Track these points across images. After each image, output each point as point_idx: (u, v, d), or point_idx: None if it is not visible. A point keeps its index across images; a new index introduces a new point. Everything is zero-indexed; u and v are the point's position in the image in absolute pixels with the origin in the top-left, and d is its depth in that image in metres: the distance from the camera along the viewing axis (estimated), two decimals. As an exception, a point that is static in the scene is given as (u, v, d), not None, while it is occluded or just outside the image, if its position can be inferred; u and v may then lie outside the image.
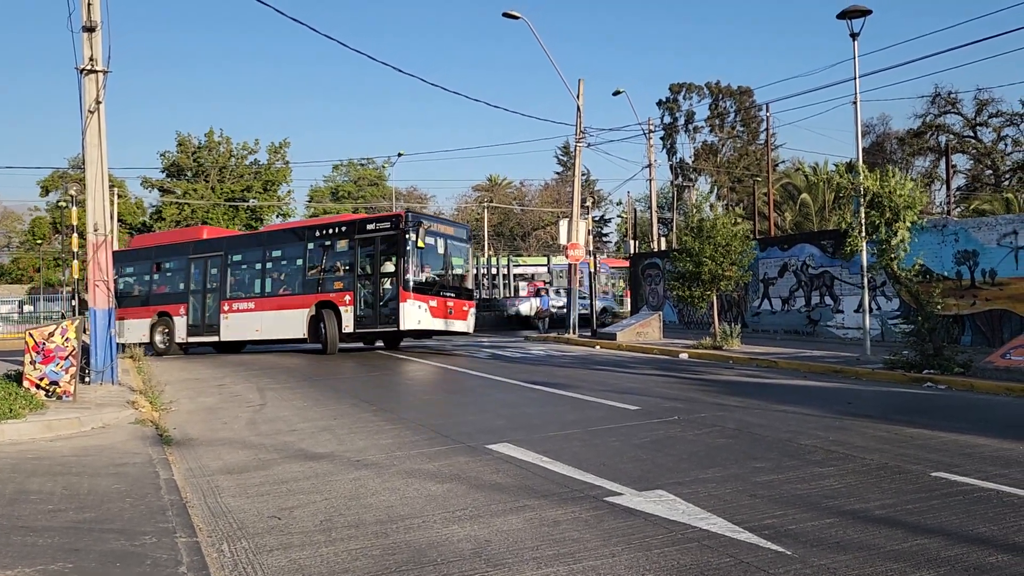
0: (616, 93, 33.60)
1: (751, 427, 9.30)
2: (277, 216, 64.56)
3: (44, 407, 10.41)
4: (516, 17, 25.29)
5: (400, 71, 78.18)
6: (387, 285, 19.75)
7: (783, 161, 62.16)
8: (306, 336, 20.82)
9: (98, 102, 13.37)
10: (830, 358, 16.23)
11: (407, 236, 19.26)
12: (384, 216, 20.95)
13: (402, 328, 19.22)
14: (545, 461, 7.65)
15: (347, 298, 20.10)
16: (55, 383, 11.17)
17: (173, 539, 5.28)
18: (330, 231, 21.38)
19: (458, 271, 21.91)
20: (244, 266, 23.06)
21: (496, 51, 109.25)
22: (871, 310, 17.81)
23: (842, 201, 16.36)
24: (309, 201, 68.34)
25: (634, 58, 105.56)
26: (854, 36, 15.79)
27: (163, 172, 59.91)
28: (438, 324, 20.07)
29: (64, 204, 46.29)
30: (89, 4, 13.28)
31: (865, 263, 15.54)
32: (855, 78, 16.26)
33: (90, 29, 13.28)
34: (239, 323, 22.20)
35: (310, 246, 21.50)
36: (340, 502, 6.43)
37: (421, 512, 6.07)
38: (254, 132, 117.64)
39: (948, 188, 32.62)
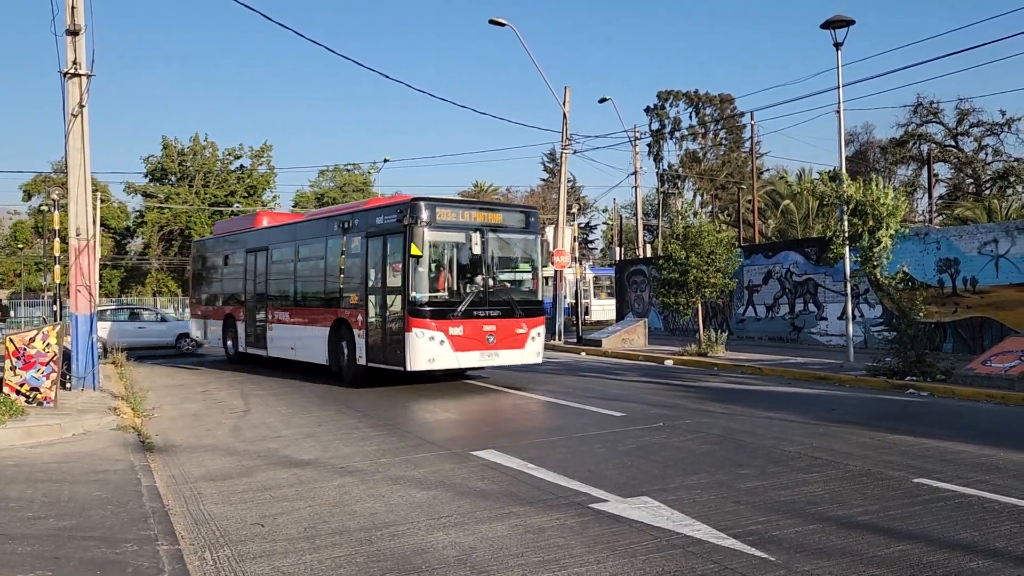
0: (602, 100, 33.81)
1: (736, 433, 9.34)
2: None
3: (24, 413, 10.29)
4: (503, 24, 25.35)
5: (387, 77, 78.24)
6: (394, 305, 13.54)
7: (767, 169, 62.55)
8: (328, 362, 15.43)
9: (81, 106, 13.28)
10: (814, 365, 16.32)
11: (411, 234, 13.13)
12: (391, 204, 14.50)
13: (409, 368, 13.02)
14: (530, 468, 7.64)
15: (359, 318, 14.32)
16: (36, 389, 11.05)
17: (155, 547, 5.23)
18: (345, 223, 15.33)
19: (509, 275, 14.88)
20: (282, 264, 18.04)
21: (484, 57, 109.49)
22: (854, 317, 17.92)
23: (826, 209, 16.43)
24: (294, 207, 67.98)
25: (621, 65, 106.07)
26: (837, 46, 15.92)
27: (146, 176, 59.56)
28: (469, 359, 13.46)
29: (46, 208, 45.89)
30: (73, 8, 13.20)
31: (848, 270, 15.64)
32: (839, 87, 16.40)
33: (74, 33, 13.18)
34: (281, 337, 17.46)
35: (329, 242, 15.89)
36: (324, 509, 6.40)
37: (406, 519, 6.04)
38: (238, 136, 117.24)
39: (930, 197, 32.91)
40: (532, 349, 14.13)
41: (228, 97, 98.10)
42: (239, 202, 60.05)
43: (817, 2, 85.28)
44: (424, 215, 13.24)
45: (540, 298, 14.89)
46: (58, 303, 24.63)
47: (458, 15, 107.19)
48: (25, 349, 11.07)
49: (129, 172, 77.15)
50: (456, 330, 13.22)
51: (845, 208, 14.36)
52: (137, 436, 9.56)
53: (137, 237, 61.99)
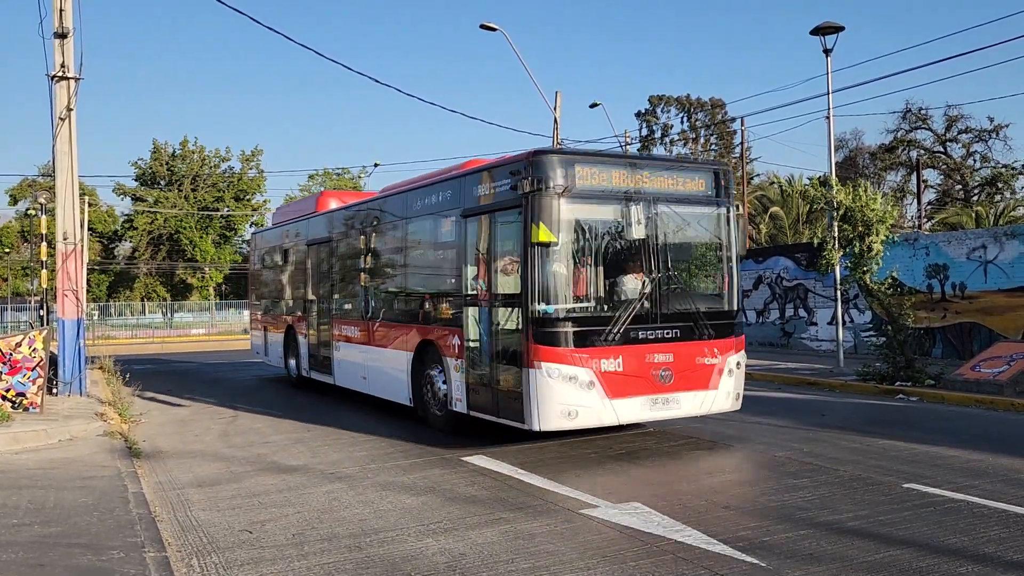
0: (593, 105, 33.78)
1: (726, 439, 9.34)
2: (251, 226, 63.97)
3: (10, 419, 10.20)
4: (493, 29, 25.37)
5: (376, 81, 78.01)
6: (508, 322, 8.70)
7: (758, 175, 62.83)
8: (409, 398, 10.67)
9: (69, 109, 13.20)
10: (804, 370, 16.36)
11: (534, 208, 8.16)
12: (498, 164, 9.20)
13: (535, 426, 8.15)
14: (520, 473, 7.62)
15: (453, 341, 9.52)
16: (22, 394, 10.95)
17: (141, 554, 5.18)
18: (428, 200, 10.60)
19: (689, 272, 9.49)
20: (349, 261, 13.30)
21: (475, 61, 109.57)
22: (844, 322, 17.97)
23: (816, 215, 16.54)
24: (285, 211, 67.86)
25: (613, 71, 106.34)
26: (827, 52, 16.00)
27: (136, 180, 59.27)
28: (630, 409, 8.45)
29: (33, 212, 45.62)
30: (61, 11, 13.13)
31: (838, 276, 15.70)
32: (828, 93, 16.47)
33: (62, 36, 13.11)
34: (349, 360, 12.74)
35: (410, 229, 11.12)
36: (313, 515, 6.35)
37: (395, 525, 6.01)
38: (227, 139, 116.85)
39: (919, 202, 33.08)
40: (727, 389, 8.97)
41: (217, 99, 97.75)
42: (228, 206, 59.83)
43: (809, 8, 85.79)
44: (556, 177, 8.06)
45: (735, 306, 9.41)
46: (45, 308, 23.89)
47: (448, 18, 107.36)
48: (11, 354, 10.98)
49: (118, 175, 76.79)
50: (611, 363, 8.20)
51: (835, 214, 14.42)
52: (124, 442, 9.49)
53: (125, 241, 61.66)
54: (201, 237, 58.04)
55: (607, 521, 5.98)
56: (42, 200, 29.05)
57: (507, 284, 8.69)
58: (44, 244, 26.05)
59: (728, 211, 9.39)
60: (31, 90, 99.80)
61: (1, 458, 8.54)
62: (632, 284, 8.75)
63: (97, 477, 7.56)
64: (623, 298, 8.61)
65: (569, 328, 8.16)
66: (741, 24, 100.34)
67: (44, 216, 27.69)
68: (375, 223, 12.14)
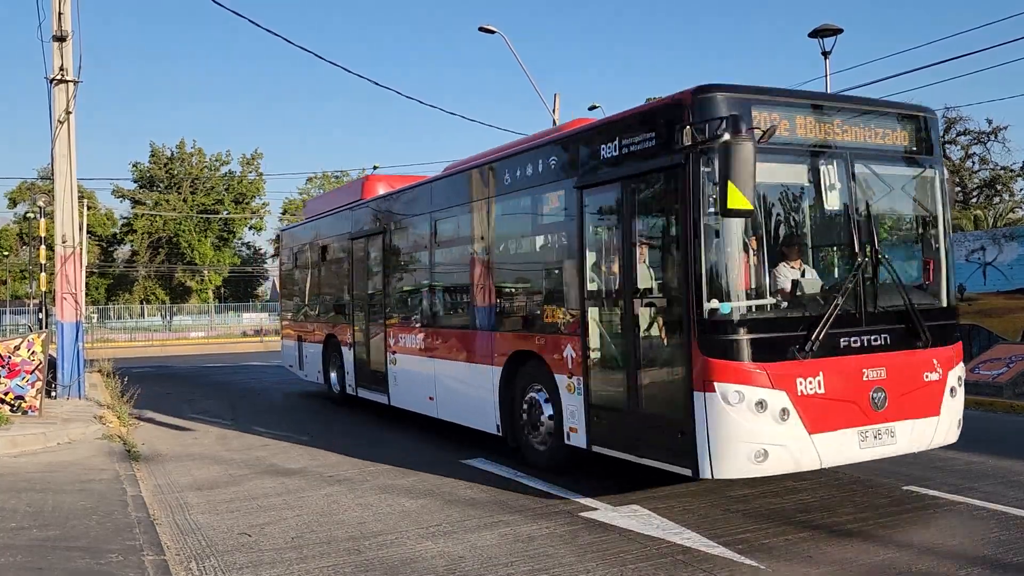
0: (592, 108, 33.78)
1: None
2: (250, 229, 63.96)
3: (9, 422, 10.19)
4: (492, 32, 25.39)
5: (376, 84, 77.83)
6: (654, 327, 6.51)
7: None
8: (497, 426, 8.54)
9: (68, 112, 13.20)
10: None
11: (697, 168, 5.92)
12: (637, 113, 6.83)
13: (711, 472, 5.81)
14: (520, 476, 7.62)
15: (567, 353, 7.36)
16: (20, 398, 10.94)
17: (140, 557, 5.17)
18: (528, 169, 8.15)
19: (893, 250, 7.11)
20: (409, 256, 10.99)
21: (473, 64, 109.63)
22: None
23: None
24: (283, 214, 67.91)
25: (611, 73, 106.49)
26: (826, 55, 16.05)
27: (135, 182, 59.28)
28: (837, 448, 6.03)
29: (32, 216, 45.58)
30: (60, 14, 13.13)
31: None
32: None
33: (60, 39, 13.11)
34: (411, 376, 10.43)
35: (498, 210, 8.83)
36: (312, 518, 6.35)
37: (394, 528, 6.00)
38: (225, 141, 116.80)
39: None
40: (951, 415, 6.73)
41: (217, 101, 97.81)
42: (227, 209, 59.83)
43: (808, 10, 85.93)
44: (738, 122, 5.72)
45: (952, 301, 7.11)
46: (44, 311, 23.82)
47: (447, 21, 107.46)
48: (10, 357, 10.97)
49: (117, 178, 76.79)
50: (810, 383, 5.97)
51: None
52: (123, 445, 9.48)
53: (124, 244, 61.67)
54: (200, 240, 58.04)
55: (606, 523, 5.97)
56: (41, 203, 29.04)
57: (655, 275, 6.55)
58: (43, 247, 25.96)
59: (939, 173, 7.08)
60: (30, 93, 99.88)
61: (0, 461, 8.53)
62: (829, 272, 6.82)
63: (96, 480, 7.55)
64: (815, 291, 6.37)
65: (754, 334, 5.85)
66: (740, 26, 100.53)
67: (43, 219, 27.61)
68: (445, 208, 9.71)
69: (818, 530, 5.69)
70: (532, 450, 8.01)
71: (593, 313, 7.05)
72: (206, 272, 58.84)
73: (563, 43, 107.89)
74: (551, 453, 7.73)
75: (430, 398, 9.81)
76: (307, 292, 15.10)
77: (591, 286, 7.06)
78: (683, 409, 5.90)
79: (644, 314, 6.47)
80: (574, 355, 7.17)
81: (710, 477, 5.82)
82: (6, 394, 10.88)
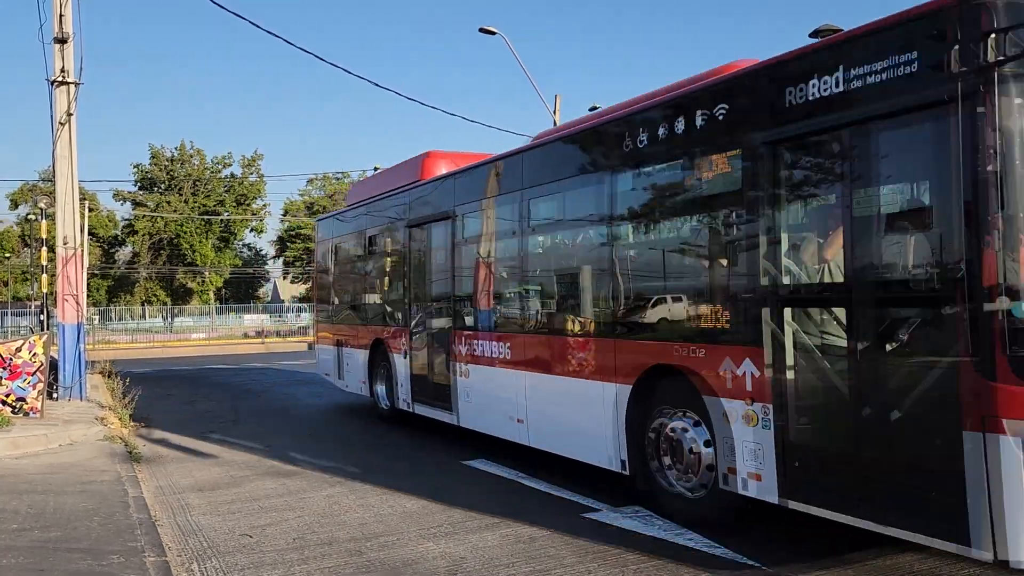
0: (592, 109, 33.81)
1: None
2: (251, 231, 63.99)
3: (10, 424, 10.19)
4: (493, 33, 25.39)
5: (376, 85, 77.94)
6: (895, 333, 4.57)
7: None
8: (623, 463, 6.58)
9: (69, 114, 13.20)
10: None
11: (996, 94, 3.99)
12: (885, 28, 4.60)
13: (1010, 554, 3.90)
14: (522, 477, 7.62)
15: (738, 370, 5.43)
16: (22, 399, 10.94)
17: (141, 558, 5.17)
18: (677, 124, 6.07)
19: None
20: (486, 247, 9.06)
21: (473, 65, 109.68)
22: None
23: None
24: (284, 215, 68.00)
25: (611, 74, 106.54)
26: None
27: (136, 184, 59.35)
28: None
29: (33, 217, 45.63)
30: (61, 16, 13.14)
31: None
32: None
33: (62, 41, 13.12)
34: (489, 392, 8.65)
35: (620, 183, 6.80)
36: (313, 519, 6.34)
37: (396, 529, 6.00)
38: (226, 142, 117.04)
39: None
40: None
41: (217, 103, 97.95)
42: (228, 211, 59.87)
43: (808, 10, 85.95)
44: None
45: None
46: (45, 312, 23.64)
47: (448, 22, 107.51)
48: (11, 359, 10.97)
49: (118, 180, 76.89)
50: None
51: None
52: (124, 446, 9.48)
53: (125, 246, 61.72)
54: (201, 241, 58.08)
55: (608, 524, 5.97)
56: (42, 205, 29.06)
57: (894, 261, 4.75)
58: (44, 248, 25.99)
59: None
60: (32, 95, 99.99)
61: (1, 463, 8.53)
62: None
63: (97, 482, 7.55)
64: None
65: None
66: (740, 26, 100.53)
67: (44, 220, 27.69)
68: (544, 183, 7.77)
69: (821, 531, 5.68)
70: (676, 498, 6.12)
71: (789, 315, 5.13)
72: (207, 273, 58.88)
73: (563, 43, 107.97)
74: (709, 505, 5.85)
75: (518, 420, 7.89)
76: (349, 290, 13.27)
77: (784, 279, 5.22)
78: (945, 457, 4.16)
79: (877, 316, 4.69)
80: (752, 375, 5.29)
81: (992, 560, 4.02)
82: (7, 396, 10.88)
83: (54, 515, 6.32)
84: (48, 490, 7.23)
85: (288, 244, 66.54)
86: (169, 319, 53.63)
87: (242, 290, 67.55)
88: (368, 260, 12.34)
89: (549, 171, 7.83)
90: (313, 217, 66.63)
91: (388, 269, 11.70)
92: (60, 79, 13.19)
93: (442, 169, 10.31)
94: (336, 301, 13.79)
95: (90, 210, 47.44)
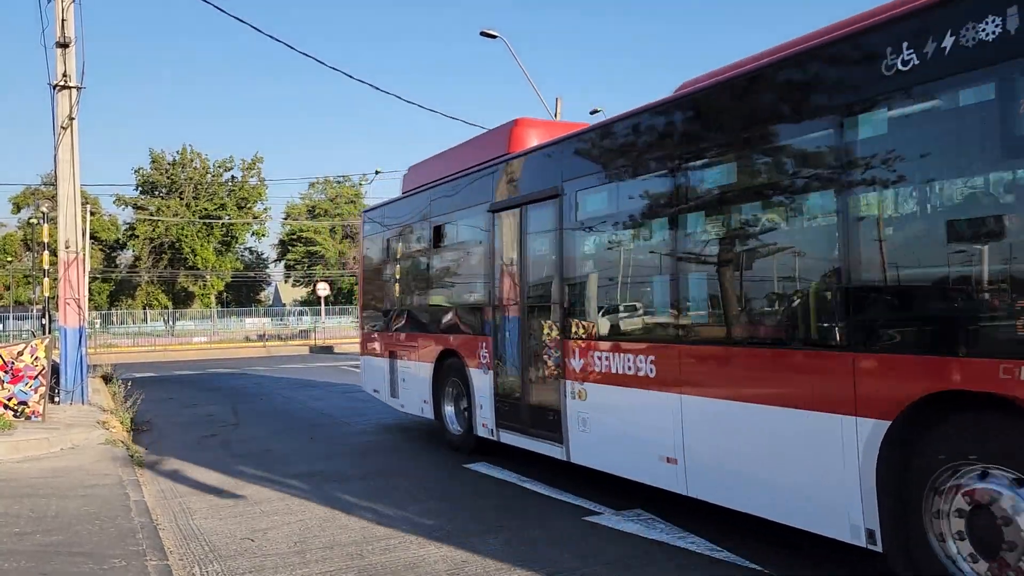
0: (594, 112, 33.80)
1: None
2: (252, 235, 64.04)
3: (12, 427, 10.19)
4: (494, 36, 25.41)
5: (377, 88, 78.18)
6: None
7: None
8: (869, 534, 4.47)
9: (71, 118, 13.23)
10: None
11: None
12: None
13: None
14: (523, 481, 7.61)
15: None
16: (24, 403, 10.94)
17: (143, 562, 5.16)
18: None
19: None
20: (616, 229, 6.93)
21: (474, 68, 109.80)
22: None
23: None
24: (285, 218, 68.07)
25: (612, 76, 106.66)
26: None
27: (137, 189, 59.46)
28: None
29: (36, 221, 45.68)
30: (63, 20, 13.17)
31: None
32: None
33: (64, 45, 13.15)
34: (612, 420, 6.70)
35: (879, 124, 4.53)
36: (315, 523, 6.34)
37: (398, 533, 5.99)
38: (227, 146, 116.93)
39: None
40: None
41: (217, 106, 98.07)
42: (229, 214, 59.94)
43: (808, 11, 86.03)
44: None
45: None
46: (47, 316, 23.67)
47: (448, 25, 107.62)
48: (13, 363, 10.97)
49: (119, 184, 76.89)
50: None
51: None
52: (126, 450, 9.48)
53: (127, 250, 61.80)
54: (202, 245, 58.14)
55: (610, 528, 5.96)
56: (44, 208, 29.08)
57: None
58: (46, 252, 26.05)
59: None
60: (34, 99, 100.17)
61: (3, 467, 8.53)
62: None
63: (99, 485, 7.55)
64: None
65: None
66: (741, 29, 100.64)
67: (46, 224, 27.69)
68: (717, 146, 5.79)
69: (824, 535, 5.67)
70: None
71: None
72: (208, 277, 58.94)
73: (564, 43, 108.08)
74: None
75: (668, 460, 5.93)
76: (407, 291, 10.98)
77: None
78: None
79: None
80: None
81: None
82: (9, 399, 10.89)
83: (56, 519, 6.31)
84: (50, 494, 7.22)
85: (289, 248, 66.64)
86: (170, 323, 53.66)
87: (243, 294, 67.61)
88: (433, 255, 10.16)
89: (730, 123, 5.66)
90: (315, 220, 67.06)
91: (462, 264, 9.59)
92: (62, 83, 13.21)
93: (534, 140, 8.56)
94: (389, 305, 11.54)
95: (92, 214, 47.52)
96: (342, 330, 45.81)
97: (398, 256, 11.33)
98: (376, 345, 11.93)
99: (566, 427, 7.16)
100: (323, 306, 50.53)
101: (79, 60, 13.29)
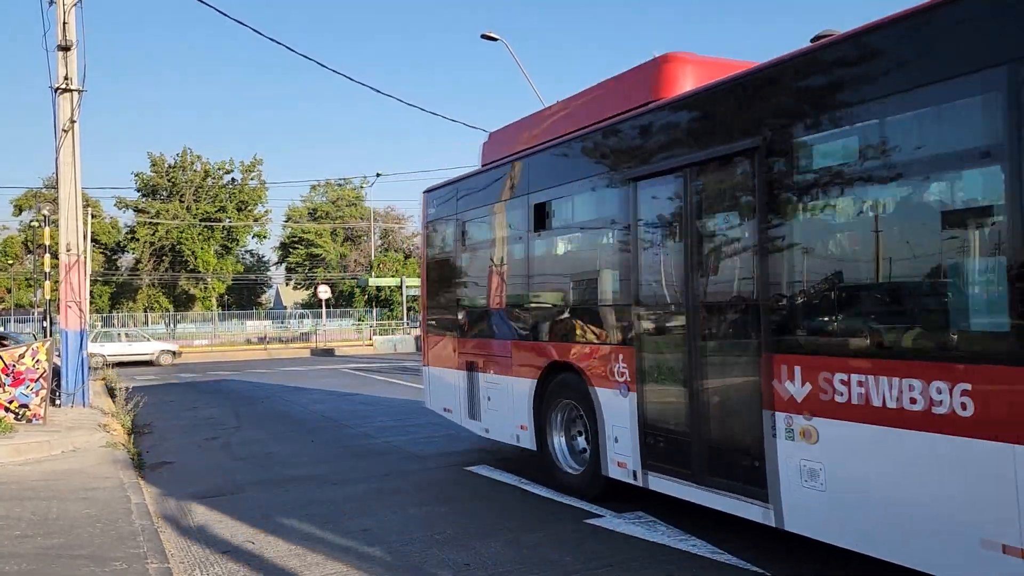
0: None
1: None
2: (253, 237, 64.07)
3: (13, 430, 10.20)
4: (494, 39, 25.44)
5: (378, 91, 78.08)
6: None
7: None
8: None
9: (72, 121, 13.24)
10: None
11: None
12: None
13: None
14: (525, 483, 7.60)
15: None
16: (25, 406, 10.94)
17: (144, 565, 5.16)
18: None
19: None
20: (888, 190, 4.52)
21: (475, 71, 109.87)
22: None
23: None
24: (286, 221, 68.11)
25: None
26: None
27: (138, 191, 59.51)
28: None
29: (37, 224, 45.71)
30: (64, 24, 13.19)
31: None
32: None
33: (65, 48, 13.17)
34: (869, 475, 4.40)
35: None
36: (316, 526, 6.33)
37: (400, 536, 5.99)
38: (227, 148, 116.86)
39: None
40: None
41: (219, 110, 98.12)
42: (229, 217, 59.97)
43: (808, 13, 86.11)
44: None
45: None
46: (48, 319, 23.73)
47: (449, 28, 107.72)
48: (14, 366, 10.98)
49: (120, 187, 77.03)
50: None
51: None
52: (127, 453, 9.48)
53: (128, 253, 61.84)
54: (203, 248, 58.17)
55: (612, 530, 5.95)
56: (46, 211, 29.08)
57: None
58: (47, 255, 26.06)
59: None
60: (35, 102, 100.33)
61: (4, 469, 8.53)
62: None
63: (100, 488, 7.54)
64: None
65: None
66: (742, 31, 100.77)
67: (47, 227, 27.70)
68: None
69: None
70: None
71: None
72: (209, 280, 58.96)
73: (565, 45, 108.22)
74: None
75: (1003, 549, 3.79)
76: (494, 286, 8.76)
77: None
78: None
79: None
80: None
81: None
82: (11, 402, 10.89)
83: (57, 522, 6.31)
84: (51, 496, 7.22)
85: (291, 250, 66.68)
86: (171, 325, 53.67)
87: (244, 296, 67.65)
88: (534, 240, 7.94)
89: None
90: (316, 223, 67.16)
91: (581, 251, 7.49)
92: (63, 86, 13.23)
93: (689, 82, 6.44)
94: (467, 304, 9.31)
95: (93, 217, 47.54)
96: (343, 333, 45.84)
97: (480, 243, 9.08)
98: (447, 354, 9.62)
99: (778, 482, 4.99)
100: (324, 309, 50.54)
101: (80, 63, 13.33)
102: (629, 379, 6.34)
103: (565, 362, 7.21)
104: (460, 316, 9.37)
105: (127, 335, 32.14)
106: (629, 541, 5.69)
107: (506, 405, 8.23)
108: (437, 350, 9.99)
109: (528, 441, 7.85)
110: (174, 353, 30.96)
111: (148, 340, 31.91)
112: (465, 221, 9.35)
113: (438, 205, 10.15)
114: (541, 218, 7.75)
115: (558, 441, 7.52)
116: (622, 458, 6.42)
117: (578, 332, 7.10)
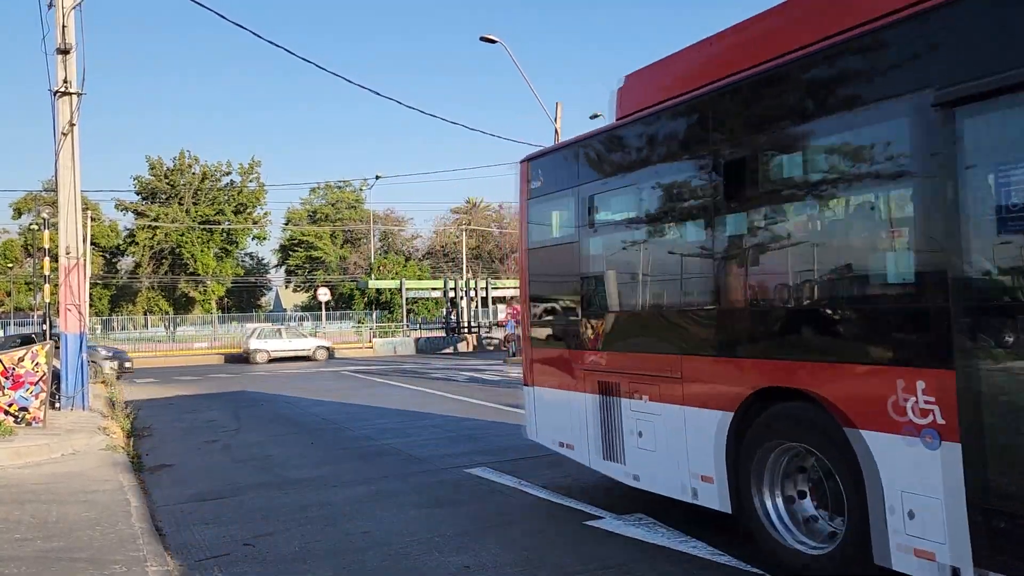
0: (594, 116, 33.78)
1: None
2: (252, 239, 64.03)
3: (13, 433, 10.19)
4: (494, 41, 25.45)
5: (377, 94, 78.09)
6: None
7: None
8: None
9: (72, 124, 13.24)
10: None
11: None
12: None
13: None
14: (524, 485, 7.59)
15: None
16: (24, 409, 10.94)
17: (144, 568, 5.15)
18: None
19: None
20: None
21: (474, 73, 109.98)
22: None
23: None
24: (286, 223, 68.09)
25: (613, 80, 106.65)
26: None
27: (137, 194, 59.47)
28: None
29: (36, 227, 45.70)
30: (64, 27, 13.19)
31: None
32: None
33: (64, 51, 13.17)
34: None
35: None
36: (316, 528, 6.33)
37: (399, 538, 5.98)
38: (227, 151, 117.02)
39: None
40: None
41: (219, 112, 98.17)
42: (228, 219, 59.95)
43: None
44: None
45: None
46: (48, 322, 23.68)
47: (449, 30, 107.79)
48: (14, 369, 10.97)
49: (120, 190, 77.01)
50: None
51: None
52: (127, 456, 9.48)
53: (128, 255, 61.84)
54: (203, 251, 58.16)
55: (612, 532, 5.95)
56: (45, 214, 29.06)
57: None
58: (47, 258, 26.03)
59: None
60: (35, 105, 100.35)
61: (4, 472, 8.53)
62: None
63: (100, 491, 7.54)
64: None
65: None
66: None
67: (47, 230, 27.67)
68: None
69: (825, 538, 5.66)
70: None
71: None
72: (209, 283, 58.94)
73: (565, 48, 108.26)
74: None
75: None
76: (649, 280, 6.55)
77: None
78: None
79: None
80: None
81: None
82: (10, 405, 10.88)
83: (57, 525, 6.31)
84: (51, 499, 7.22)
85: (290, 252, 66.66)
86: (171, 328, 53.63)
87: (244, 299, 67.60)
88: (722, 213, 5.52)
89: None
90: (315, 225, 67.19)
91: (834, 222, 5.01)
92: (62, 89, 13.23)
93: None
94: (600, 302, 6.99)
95: (93, 220, 47.53)
96: (343, 335, 45.80)
97: (623, 223, 6.86)
98: (566, 370, 7.29)
99: None
100: (324, 311, 50.51)
101: (79, 66, 13.33)
102: (942, 421, 4.01)
103: (789, 388, 4.90)
104: (588, 320, 7.01)
105: (286, 332, 33.55)
106: (629, 543, 5.69)
107: (672, 445, 5.93)
108: (549, 365, 7.65)
109: (715, 498, 5.56)
110: (328, 349, 32.54)
111: (305, 337, 33.79)
112: (595, 194, 6.95)
113: (544, 177, 7.88)
114: (738, 179, 5.36)
115: (771, 505, 5.18)
116: (922, 544, 4.10)
117: (823, 343, 4.76)
